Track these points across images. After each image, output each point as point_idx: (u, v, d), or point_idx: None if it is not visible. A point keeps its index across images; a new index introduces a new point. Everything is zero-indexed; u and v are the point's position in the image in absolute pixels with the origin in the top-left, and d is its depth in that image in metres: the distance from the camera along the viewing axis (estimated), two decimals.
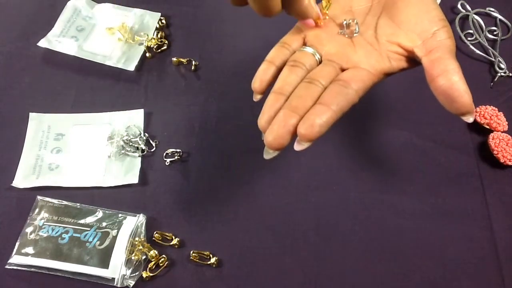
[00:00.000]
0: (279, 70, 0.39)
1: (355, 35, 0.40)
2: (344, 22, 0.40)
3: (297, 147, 0.35)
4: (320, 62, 0.39)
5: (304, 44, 0.41)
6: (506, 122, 0.54)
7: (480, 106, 0.55)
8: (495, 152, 0.52)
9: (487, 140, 0.53)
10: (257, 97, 0.39)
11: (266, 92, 0.38)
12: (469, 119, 0.36)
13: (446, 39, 0.38)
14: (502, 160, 0.51)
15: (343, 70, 0.38)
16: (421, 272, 0.47)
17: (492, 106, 0.55)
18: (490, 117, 0.54)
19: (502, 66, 0.60)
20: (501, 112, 0.55)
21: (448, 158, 0.53)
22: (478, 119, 0.54)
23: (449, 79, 0.36)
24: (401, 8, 0.40)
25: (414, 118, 0.56)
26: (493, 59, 0.60)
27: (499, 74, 0.59)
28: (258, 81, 0.39)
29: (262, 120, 0.36)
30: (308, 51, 0.39)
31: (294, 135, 0.34)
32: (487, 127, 0.54)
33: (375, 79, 0.38)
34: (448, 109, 0.36)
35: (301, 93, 0.36)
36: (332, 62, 0.39)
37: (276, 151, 0.35)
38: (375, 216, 0.50)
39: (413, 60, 0.39)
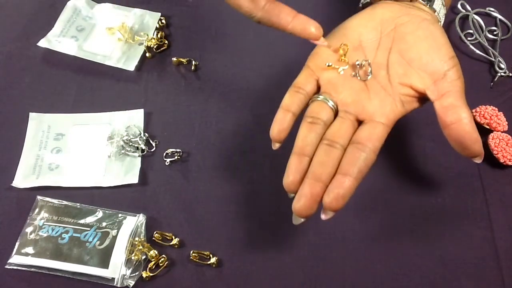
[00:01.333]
0: (296, 117, 0.40)
1: (368, 77, 0.40)
2: (357, 63, 0.40)
3: (324, 216, 0.37)
4: (336, 111, 0.40)
5: (318, 87, 0.41)
6: (506, 122, 0.54)
7: (480, 106, 0.55)
8: (495, 152, 0.52)
9: (487, 140, 0.53)
10: (276, 146, 0.40)
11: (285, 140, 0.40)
12: (478, 161, 0.39)
13: (456, 80, 0.39)
14: (502, 160, 0.51)
15: (358, 120, 0.40)
16: (421, 272, 0.47)
17: (492, 106, 0.55)
18: (490, 117, 0.54)
19: (502, 66, 0.60)
20: (501, 112, 0.55)
21: (448, 158, 0.53)
22: (478, 119, 0.54)
23: (463, 129, 0.38)
24: (411, 43, 0.41)
25: (414, 118, 0.56)
26: (493, 59, 0.60)
27: (499, 74, 0.59)
28: (277, 130, 0.40)
29: (288, 181, 0.37)
30: (324, 102, 0.40)
31: (320, 202, 0.37)
32: (487, 127, 0.54)
33: (389, 129, 0.40)
34: (459, 152, 0.39)
35: (323, 159, 0.38)
36: (348, 114, 0.40)
37: (304, 218, 0.37)
38: (375, 216, 0.50)
39: (423, 100, 0.41)
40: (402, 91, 0.40)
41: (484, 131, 0.54)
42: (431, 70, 0.40)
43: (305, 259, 0.47)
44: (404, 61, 0.40)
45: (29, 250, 0.46)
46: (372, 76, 0.40)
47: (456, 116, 0.38)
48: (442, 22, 0.47)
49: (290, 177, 0.37)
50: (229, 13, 0.65)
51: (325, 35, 0.41)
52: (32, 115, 0.55)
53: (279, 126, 0.40)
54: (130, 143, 0.53)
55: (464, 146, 0.38)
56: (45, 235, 0.47)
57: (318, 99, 0.40)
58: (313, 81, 0.41)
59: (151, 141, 0.54)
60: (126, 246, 0.46)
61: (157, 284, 0.46)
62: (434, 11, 0.45)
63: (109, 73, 0.59)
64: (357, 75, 0.40)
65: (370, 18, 0.43)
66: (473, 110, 0.55)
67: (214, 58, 0.61)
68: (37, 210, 0.49)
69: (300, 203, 0.36)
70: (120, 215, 0.49)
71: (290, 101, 0.40)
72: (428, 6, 0.45)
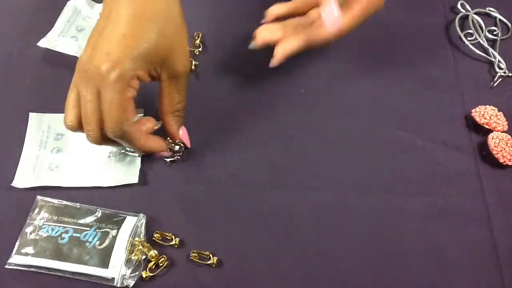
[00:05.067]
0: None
1: None
2: None
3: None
4: None
5: None
6: (506, 122, 0.54)
7: (479, 106, 0.55)
8: (494, 152, 0.52)
9: (487, 140, 0.53)
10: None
11: None
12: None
13: None
14: (501, 161, 0.51)
15: None
16: (421, 272, 0.47)
17: (492, 106, 0.55)
18: (490, 117, 0.54)
19: (502, 66, 0.60)
20: (500, 112, 0.55)
21: (448, 158, 0.53)
22: (478, 119, 0.54)
23: None
24: None
25: (414, 118, 0.56)
26: (493, 59, 0.60)
27: (499, 74, 0.59)
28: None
29: None
30: None
31: None
32: (487, 127, 0.54)
33: None
34: None
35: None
36: None
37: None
38: (375, 216, 0.50)
39: None
40: None
41: (484, 131, 0.54)
42: None
43: (305, 259, 0.47)
44: None
45: (29, 250, 0.46)
46: None
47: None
48: None
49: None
50: (229, 13, 0.65)
51: None
52: (32, 115, 0.55)
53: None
54: None
55: None
56: (45, 235, 0.47)
57: None
58: None
59: None
60: (126, 246, 0.46)
61: (157, 284, 0.46)
62: None
63: None
64: None
65: None
66: (473, 110, 0.55)
67: (214, 58, 0.61)
68: (37, 210, 0.49)
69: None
70: (120, 215, 0.49)
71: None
72: None
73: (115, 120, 0.42)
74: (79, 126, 0.44)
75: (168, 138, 0.52)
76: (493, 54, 0.61)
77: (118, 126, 0.42)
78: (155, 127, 0.49)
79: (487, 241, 0.48)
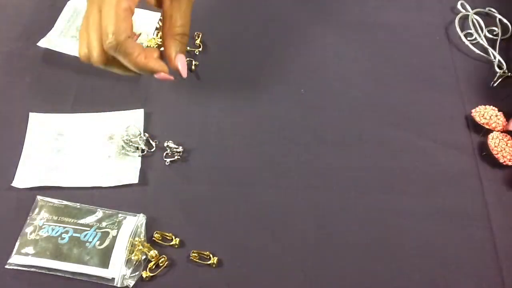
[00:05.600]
0: None
1: None
2: None
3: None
4: None
5: None
6: (506, 122, 0.54)
7: (480, 106, 0.55)
8: (494, 152, 0.52)
9: (486, 140, 0.53)
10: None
11: None
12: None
13: None
14: (502, 161, 0.51)
15: None
16: (421, 272, 0.47)
17: (492, 106, 0.55)
18: (490, 117, 0.54)
19: (502, 66, 0.60)
20: (500, 112, 0.55)
21: (448, 158, 0.53)
22: (478, 119, 0.54)
23: None
24: None
25: (414, 118, 0.56)
26: (493, 59, 0.60)
27: (499, 74, 0.59)
28: None
29: None
30: None
31: None
32: (487, 127, 0.54)
33: None
34: None
35: None
36: None
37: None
38: (375, 216, 0.50)
39: None
40: None
41: (484, 131, 0.54)
42: None
43: (305, 259, 0.47)
44: None
45: (29, 250, 0.46)
46: None
47: None
48: None
49: None
50: (229, 13, 0.65)
51: None
52: (32, 115, 0.55)
53: None
54: (130, 143, 0.53)
55: None
56: (45, 235, 0.47)
57: None
58: None
59: (151, 141, 0.54)
60: (126, 246, 0.46)
61: (157, 284, 0.46)
62: None
63: (109, 73, 0.59)
64: None
65: None
66: (473, 110, 0.55)
67: (214, 58, 0.61)
68: (37, 210, 0.49)
69: None
70: (120, 215, 0.49)
71: None
72: None
73: (110, 30, 0.42)
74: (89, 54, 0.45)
75: (169, 144, 0.52)
76: (493, 54, 0.61)
77: (113, 36, 0.42)
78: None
79: (487, 241, 0.48)
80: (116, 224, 0.48)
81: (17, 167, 0.52)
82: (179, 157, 0.53)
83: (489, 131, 0.54)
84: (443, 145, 0.54)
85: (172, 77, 0.46)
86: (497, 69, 0.59)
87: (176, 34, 0.47)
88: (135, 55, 0.44)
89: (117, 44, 0.42)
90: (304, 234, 0.48)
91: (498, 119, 0.54)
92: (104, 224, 0.48)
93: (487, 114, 0.54)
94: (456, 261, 0.47)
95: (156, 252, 0.46)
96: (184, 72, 0.47)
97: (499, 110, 0.55)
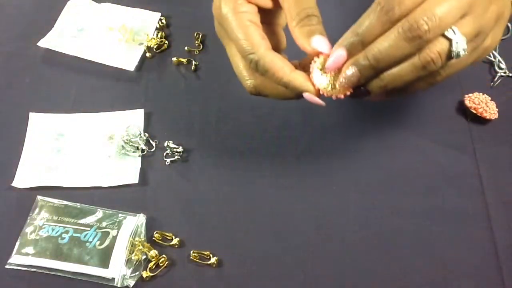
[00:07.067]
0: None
1: None
2: None
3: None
4: None
5: None
6: (496, 110, 0.54)
7: (474, 93, 0.55)
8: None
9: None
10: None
11: None
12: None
13: None
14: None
15: None
16: (421, 272, 0.47)
17: (485, 95, 0.55)
18: (479, 103, 0.54)
19: (502, 66, 0.60)
20: (492, 102, 0.54)
21: (448, 158, 0.53)
22: (467, 103, 0.54)
23: None
24: None
25: (414, 118, 0.56)
26: (493, 59, 0.60)
27: (499, 74, 0.59)
28: None
29: None
30: None
31: None
32: (474, 111, 0.54)
33: None
34: None
35: None
36: None
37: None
38: (375, 216, 0.50)
39: None
40: None
41: (484, 131, 0.54)
42: None
43: (305, 259, 0.47)
44: None
45: (29, 250, 0.46)
46: None
47: None
48: None
49: None
50: None
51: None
52: (32, 115, 0.55)
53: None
54: (130, 143, 0.53)
55: None
56: (45, 235, 0.47)
57: None
58: None
59: (151, 141, 0.54)
60: (126, 246, 0.46)
61: (157, 284, 0.46)
62: None
63: (109, 73, 0.59)
64: None
65: None
66: (466, 96, 0.55)
67: (214, 58, 0.61)
68: (37, 210, 0.49)
69: None
70: (120, 215, 0.49)
71: None
72: None
73: (238, 49, 0.40)
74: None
75: (169, 144, 0.52)
76: (493, 54, 0.61)
77: (244, 54, 0.40)
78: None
79: (487, 241, 0.48)
80: (116, 224, 0.48)
81: (17, 167, 0.52)
82: (179, 157, 0.53)
83: (477, 117, 0.54)
84: (443, 145, 0.54)
85: (323, 103, 0.41)
86: (497, 69, 0.59)
87: (305, 17, 0.40)
88: (280, 69, 0.39)
89: (253, 60, 0.39)
90: (304, 234, 0.48)
91: (487, 106, 0.54)
92: (104, 224, 0.48)
93: (477, 99, 0.54)
94: (456, 261, 0.47)
95: (156, 252, 0.46)
96: (327, 49, 0.39)
97: (499, 111, 0.55)
